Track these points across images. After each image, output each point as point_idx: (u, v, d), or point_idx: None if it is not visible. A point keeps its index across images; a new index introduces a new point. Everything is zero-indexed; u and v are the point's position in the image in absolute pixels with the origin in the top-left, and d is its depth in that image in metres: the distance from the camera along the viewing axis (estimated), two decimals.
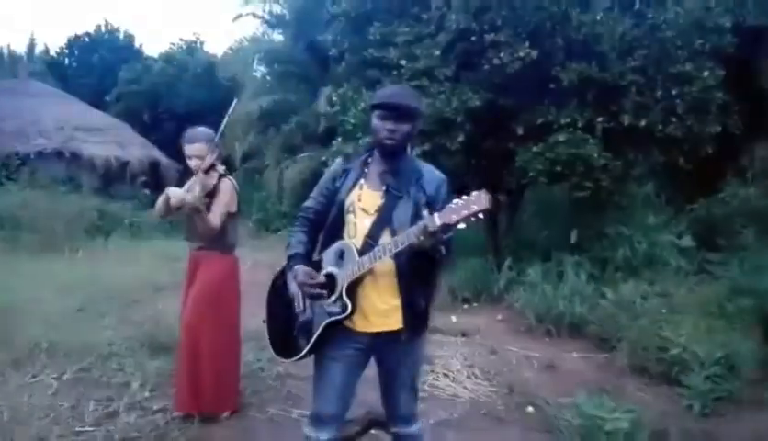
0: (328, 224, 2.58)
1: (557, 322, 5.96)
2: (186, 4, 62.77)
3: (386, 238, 2.42)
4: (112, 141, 16.27)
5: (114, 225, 12.28)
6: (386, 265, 2.40)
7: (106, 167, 15.60)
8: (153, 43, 53.08)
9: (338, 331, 2.47)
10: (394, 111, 2.42)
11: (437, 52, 6.83)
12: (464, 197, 2.17)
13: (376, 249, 2.36)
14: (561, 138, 6.40)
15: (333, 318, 2.43)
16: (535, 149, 6.59)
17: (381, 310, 2.46)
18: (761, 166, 8.41)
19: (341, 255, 2.46)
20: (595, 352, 5.58)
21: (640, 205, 7.77)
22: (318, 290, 2.43)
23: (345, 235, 2.52)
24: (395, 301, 2.46)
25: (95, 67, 25.04)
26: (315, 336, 2.48)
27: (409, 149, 2.59)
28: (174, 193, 3.64)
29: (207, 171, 3.77)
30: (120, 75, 22.07)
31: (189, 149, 3.76)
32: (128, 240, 11.58)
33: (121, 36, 27.02)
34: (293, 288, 2.57)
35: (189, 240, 3.94)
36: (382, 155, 2.53)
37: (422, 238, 2.21)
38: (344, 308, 2.40)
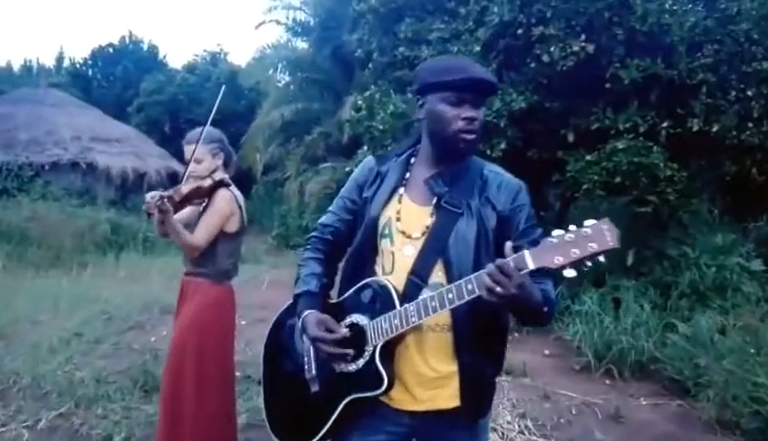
0: (353, 251, 1.82)
1: (619, 361, 5.08)
2: (212, 15, 63.08)
3: (438, 276, 1.65)
4: (130, 151, 15.78)
5: (127, 239, 11.68)
6: (439, 316, 1.61)
7: (122, 179, 15.10)
8: (178, 55, 53.29)
9: (366, 408, 1.69)
10: (474, 91, 1.64)
11: (477, 49, 6.04)
12: (572, 228, 1.39)
13: (428, 298, 1.57)
14: (621, 145, 5.57)
15: (359, 394, 1.66)
16: (588, 158, 5.76)
17: (429, 379, 1.68)
18: None
19: (372, 299, 1.68)
20: (668, 398, 4.70)
21: (703, 222, 6.87)
22: (338, 350, 1.66)
23: (378, 268, 1.75)
24: (449, 367, 1.68)
25: (118, 78, 24.83)
26: (333, 417, 1.70)
27: None
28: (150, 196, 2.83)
29: (204, 178, 3.02)
30: (142, 86, 21.74)
31: (187, 151, 3.03)
32: (140, 255, 10.95)
33: (145, 47, 26.82)
34: (303, 342, 1.80)
35: (184, 262, 3.20)
36: (449, 158, 1.73)
37: (502, 286, 1.41)
38: (378, 380, 1.63)
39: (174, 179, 16.12)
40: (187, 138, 3.07)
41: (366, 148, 6.71)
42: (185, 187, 2.87)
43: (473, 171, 1.74)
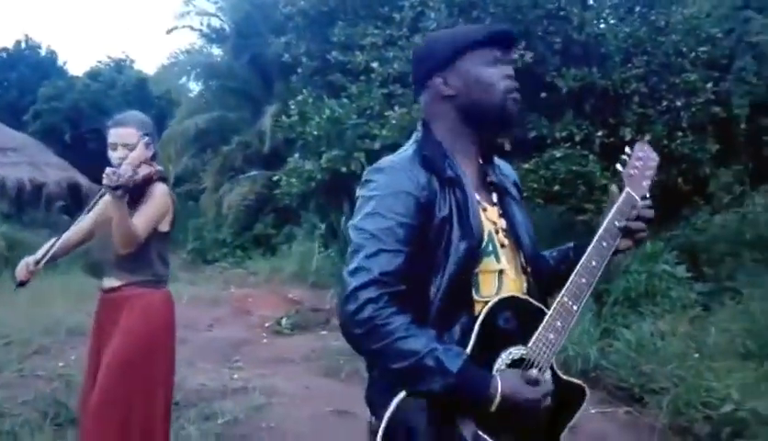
0: (443, 289, 1.34)
1: (564, 370, 4.99)
2: (116, 20, 60.49)
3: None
4: (26, 161, 14.59)
5: (25, 256, 10.72)
6: None
7: (18, 190, 13.90)
8: (79, 62, 50.44)
9: None
10: (508, 45, 1.47)
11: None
12: (623, 158, 1.47)
13: (570, 280, 1.35)
14: (558, 154, 5.59)
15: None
16: (526, 166, 5.73)
17: None
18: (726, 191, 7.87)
19: (508, 321, 1.33)
20: (615, 405, 4.65)
21: None
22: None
23: (474, 295, 1.36)
24: None
25: (12, 84, 23.15)
26: None
27: None
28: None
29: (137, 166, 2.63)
30: (40, 92, 20.37)
31: (115, 134, 2.66)
32: (40, 274, 10.02)
33: (43, 52, 25.17)
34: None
35: (96, 274, 2.79)
36: (494, 131, 1.52)
37: (625, 225, 1.40)
38: (581, 393, 1.50)
39: (75, 191, 15.06)
40: (114, 121, 2.72)
41: (297, 155, 6.41)
42: (141, 170, 2.55)
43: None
